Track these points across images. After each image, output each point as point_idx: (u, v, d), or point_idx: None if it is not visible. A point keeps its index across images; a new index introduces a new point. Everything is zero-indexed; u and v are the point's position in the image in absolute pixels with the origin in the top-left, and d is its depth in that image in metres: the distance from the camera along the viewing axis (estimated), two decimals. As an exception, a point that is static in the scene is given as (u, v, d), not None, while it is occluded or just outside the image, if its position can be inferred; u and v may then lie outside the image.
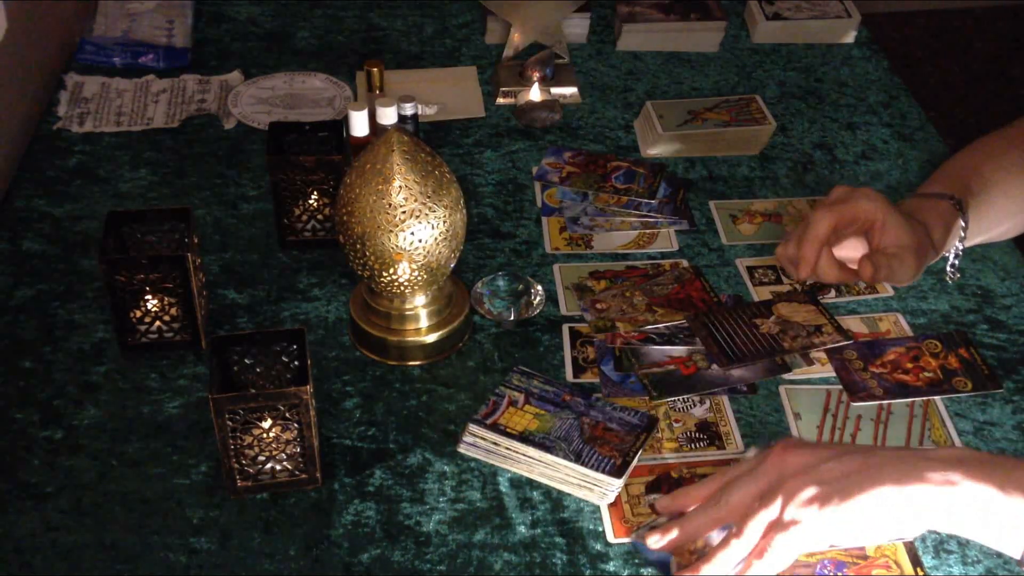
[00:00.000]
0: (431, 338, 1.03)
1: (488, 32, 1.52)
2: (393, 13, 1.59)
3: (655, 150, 1.31)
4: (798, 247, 1.02)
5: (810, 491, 0.77)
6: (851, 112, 1.42)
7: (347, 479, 0.93)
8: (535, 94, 1.37)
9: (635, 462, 0.93)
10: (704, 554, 0.81)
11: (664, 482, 0.92)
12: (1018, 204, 1.11)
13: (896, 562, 0.86)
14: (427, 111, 1.36)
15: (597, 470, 0.90)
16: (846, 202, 1.02)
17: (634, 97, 1.43)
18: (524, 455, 0.92)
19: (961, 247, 1.09)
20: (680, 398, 1.00)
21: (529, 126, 1.36)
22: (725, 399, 1.00)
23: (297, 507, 0.90)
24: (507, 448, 0.93)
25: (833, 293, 1.11)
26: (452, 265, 1.01)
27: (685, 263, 1.16)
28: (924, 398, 1.01)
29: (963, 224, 1.07)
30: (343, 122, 1.18)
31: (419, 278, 0.98)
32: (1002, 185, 1.10)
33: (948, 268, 1.12)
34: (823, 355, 1.04)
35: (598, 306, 1.09)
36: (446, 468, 0.94)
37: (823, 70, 1.51)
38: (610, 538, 0.88)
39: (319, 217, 1.15)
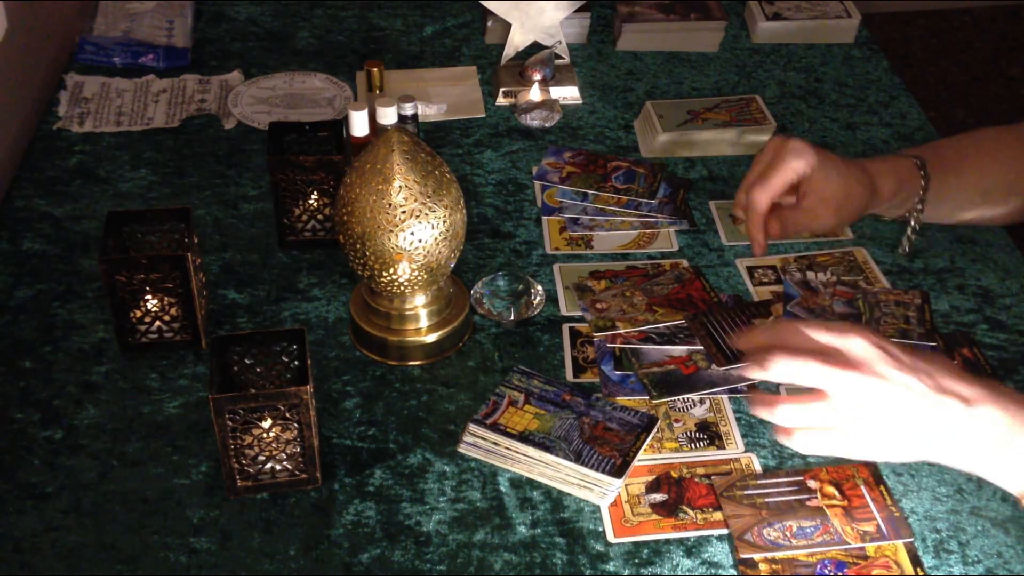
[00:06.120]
0: (431, 338, 1.03)
1: (488, 32, 1.52)
2: (393, 13, 1.59)
3: (655, 151, 1.31)
4: (748, 230, 1.10)
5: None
6: (851, 112, 1.42)
7: (347, 479, 0.93)
8: (535, 94, 1.37)
9: (635, 462, 0.93)
10: None
11: (664, 482, 0.92)
12: (992, 182, 1.11)
13: (896, 562, 0.86)
14: (428, 111, 1.36)
15: (597, 470, 0.90)
16: (777, 168, 1.06)
17: (634, 97, 1.43)
18: (524, 455, 0.92)
19: (921, 207, 1.10)
20: (680, 398, 1.00)
21: (527, 126, 1.36)
22: (725, 399, 1.00)
23: (297, 507, 0.90)
24: (507, 448, 0.93)
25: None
26: (452, 265, 1.01)
27: (685, 263, 1.16)
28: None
29: (923, 183, 1.08)
30: (343, 122, 1.18)
31: (419, 278, 0.98)
32: (979, 161, 1.11)
33: (903, 239, 1.13)
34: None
35: (598, 306, 1.09)
36: (446, 468, 0.94)
37: (823, 70, 1.50)
38: (610, 538, 0.88)
39: (319, 217, 1.15)
